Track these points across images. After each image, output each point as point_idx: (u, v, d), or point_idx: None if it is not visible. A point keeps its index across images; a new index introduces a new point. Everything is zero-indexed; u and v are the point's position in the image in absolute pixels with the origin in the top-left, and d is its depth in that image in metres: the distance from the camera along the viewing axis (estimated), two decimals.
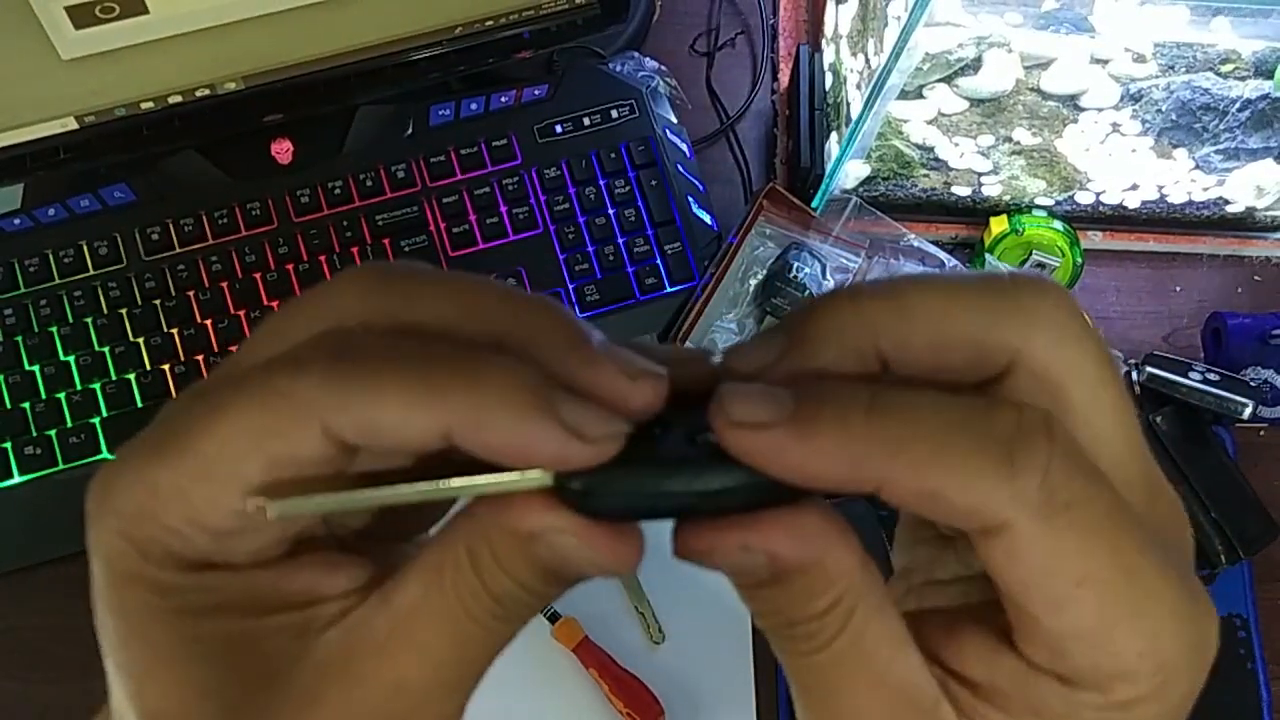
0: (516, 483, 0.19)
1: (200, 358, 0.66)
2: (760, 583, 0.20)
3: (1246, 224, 0.77)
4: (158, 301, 0.67)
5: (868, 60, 0.64)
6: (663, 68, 0.75)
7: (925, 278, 0.20)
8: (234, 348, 0.66)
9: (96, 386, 0.65)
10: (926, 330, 0.19)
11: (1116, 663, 0.18)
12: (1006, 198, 0.73)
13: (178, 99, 0.63)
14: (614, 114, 0.72)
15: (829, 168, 0.69)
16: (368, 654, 0.20)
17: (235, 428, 0.19)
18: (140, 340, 0.66)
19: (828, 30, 0.75)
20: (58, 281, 0.67)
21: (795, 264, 0.68)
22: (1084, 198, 0.74)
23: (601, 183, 0.71)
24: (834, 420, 0.18)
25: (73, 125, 0.62)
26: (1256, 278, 0.79)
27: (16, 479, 0.64)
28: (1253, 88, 0.62)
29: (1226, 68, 0.61)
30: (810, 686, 0.21)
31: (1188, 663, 0.19)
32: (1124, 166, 0.69)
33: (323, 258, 0.68)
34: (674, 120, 0.73)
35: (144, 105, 0.63)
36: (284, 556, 0.21)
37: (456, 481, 0.19)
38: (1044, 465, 0.18)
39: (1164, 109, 0.64)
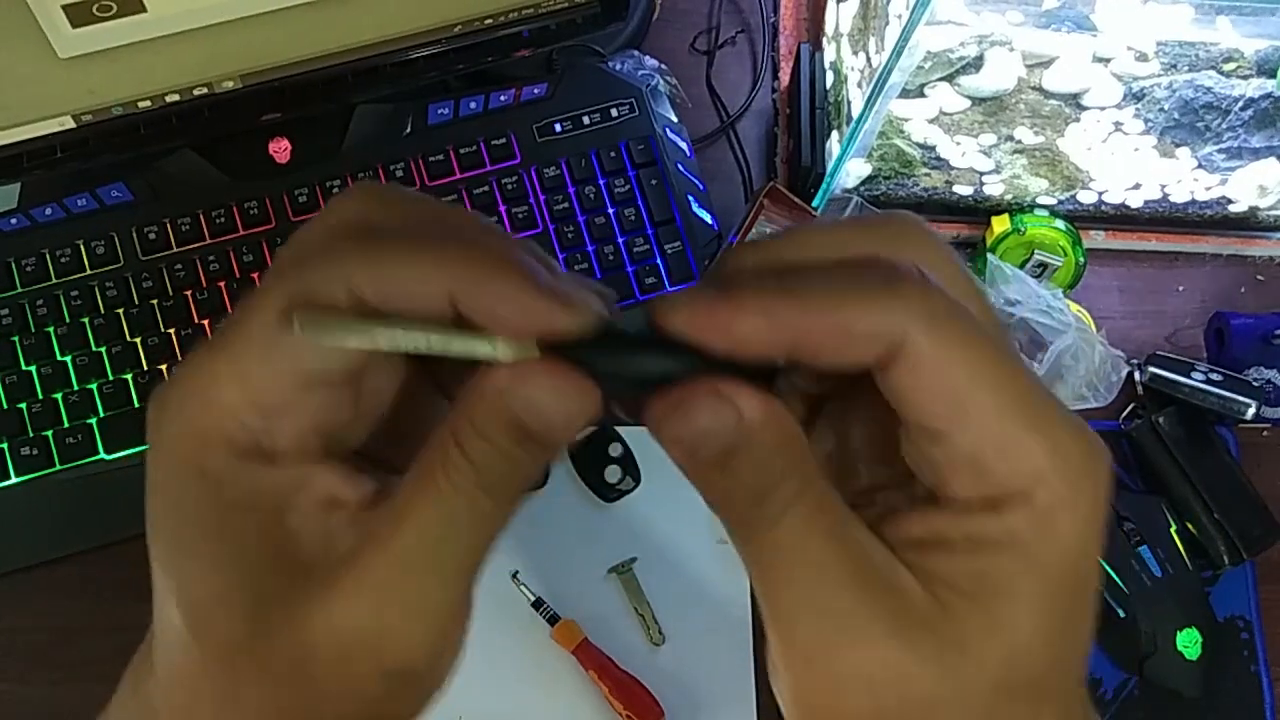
0: (506, 350, 0.22)
1: None
2: (727, 451, 0.22)
3: (1249, 223, 0.76)
4: (155, 301, 0.66)
5: (869, 59, 0.63)
6: (663, 66, 0.74)
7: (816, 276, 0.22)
8: None
9: (94, 386, 0.65)
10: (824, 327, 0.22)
11: (1031, 466, 0.21)
12: (1008, 197, 0.73)
13: (175, 98, 0.63)
14: (614, 113, 0.72)
15: (830, 167, 0.69)
16: (374, 543, 0.22)
17: (279, 306, 0.22)
18: (137, 340, 0.66)
19: (828, 28, 0.75)
20: (54, 281, 0.67)
21: None
22: (1086, 197, 0.73)
23: (601, 182, 0.70)
24: (753, 290, 0.22)
25: (70, 124, 0.62)
26: (1259, 277, 0.78)
27: (13, 479, 0.64)
28: (1255, 86, 0.62)
29: (1229, 66, 0.61)
30: (773, 564, 0.22)
31: (1091, 469, 0.21)
32: (1126, 165, 0.69)
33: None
34: (674, 119, 0.73)
35: (141, 104, 0.63)
36: (314, 461, 0.23)
37: (459, 341, 0.22)
38: (923, 288, 0.21)
39: (1166, 108, 0.63)
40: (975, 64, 0.60)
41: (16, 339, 0.65)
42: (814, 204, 0.71)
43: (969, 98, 0.63)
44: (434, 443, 0.23)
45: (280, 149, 0.69)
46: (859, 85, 0.65)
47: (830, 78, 0.73)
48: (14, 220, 0.67)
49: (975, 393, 0.21)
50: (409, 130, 0.71)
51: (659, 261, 0.70)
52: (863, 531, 0.22)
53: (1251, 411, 0.70)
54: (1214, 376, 0.71)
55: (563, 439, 0.23)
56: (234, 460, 0.23)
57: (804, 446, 0.23)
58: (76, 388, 0.65)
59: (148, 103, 0.63)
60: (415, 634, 0.23)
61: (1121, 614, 0.68)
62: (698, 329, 0.22)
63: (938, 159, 0.69)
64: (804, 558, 0.22)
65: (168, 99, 0.63)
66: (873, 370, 0.22)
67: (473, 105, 0.71)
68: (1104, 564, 0.68)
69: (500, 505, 0.23)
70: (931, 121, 0.66)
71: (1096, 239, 0.76)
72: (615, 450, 0.69)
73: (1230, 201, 0.73)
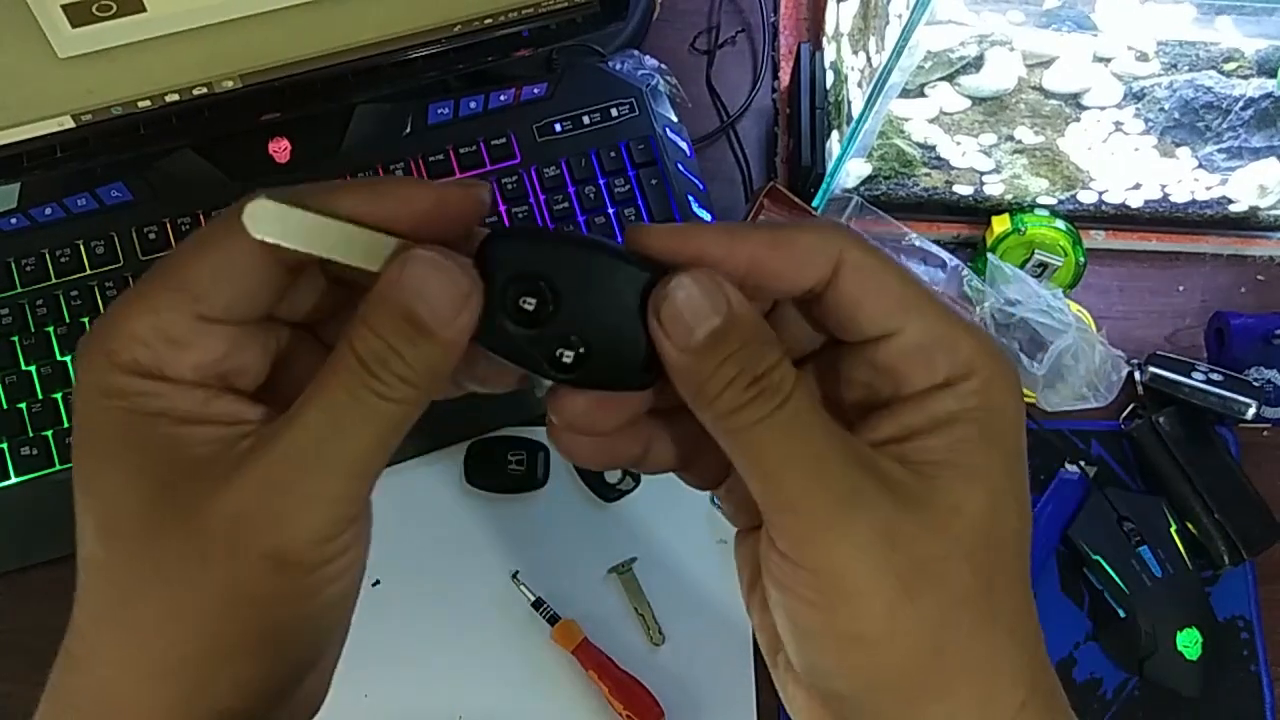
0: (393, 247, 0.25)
1: None
2: (718, 334, 0.25)
3: (1250, 223, 0.76)
4: None
5: (869, 58, 0.63)
6: (663, 66, 0.74)
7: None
8: None
9: None
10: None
11: (967, 350, 0.25)
12: (1009, 197, 0.73)
13: (175, 97, 0.63)
14: (614, 112, 0.72)
15: (830, 166, 0.69)
16: (266, 440, 0.25)
17: (196, 248, 0.26)
18: None
19: (829, 28, 0.75)
20: (54, 281, 0.66)
21: None
22: (1086, 197, 0.73)
23: (601, 181, 0.70)
24: (718, 224, 0.26)
25: (69, 124, 0.62)
26: (1260, 277, 0.78)
27: (13, 479, 0.64)
28: (1256, 86, 0.62)
29: (1230, 66, 0.61)
30: (775, 452, 0.24)
31: (1004, 373, 0.26)
32: (1127, 165, 0.69)
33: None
34: (674, 119, 0.73)
35: (141, 104, 0.62)
36: (216, 390, 0.26)
37: (361, 234, 0.25)
38: (848, 229, 0.26)
39: (1167, 108, 0.63)
40: (975, 64, 0.60)
41: (16, 339, 0.65)
42: (814, 204, 0.71)
43: (969, 97, 0.63)
44: (334, 352, 0.25)
45: (280, 149, 0.69)
46: (859, 85, 0.65)
47: (830, 77, 0.73)
48: (14, 220, 0.67)
49: (911, 292, 0.26)
50: (409, 130, 0.71)
51: None
52: (844, 430, 0.26)
53: (1252, 411, 0.70)
54: (1214, 376, 0.71)
55: (453, 334, 0.25)
56: (138, 379, 0.25)
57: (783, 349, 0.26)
58: None
59: (147, 102, 0.63)
60: (300, 523, 0.24)
61: (1122, 614, 0.68)
62: (671, 248, 0.26)
63: (938, 159, 0.69)
64: (806, 447, 0.24)
65: (167, 99, 0.63)
66: (818, 292, 0.26)
67: (473, 105, 0.71)
68: (1104, 564, 0.68)
69: (394, 404, 0.25)
70: (932, 121, 0.66)
71: (1097, 239, 0.76)
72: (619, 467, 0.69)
73: (1230, 201, 0.73)
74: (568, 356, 0.26)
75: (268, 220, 0.25)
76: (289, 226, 0.25)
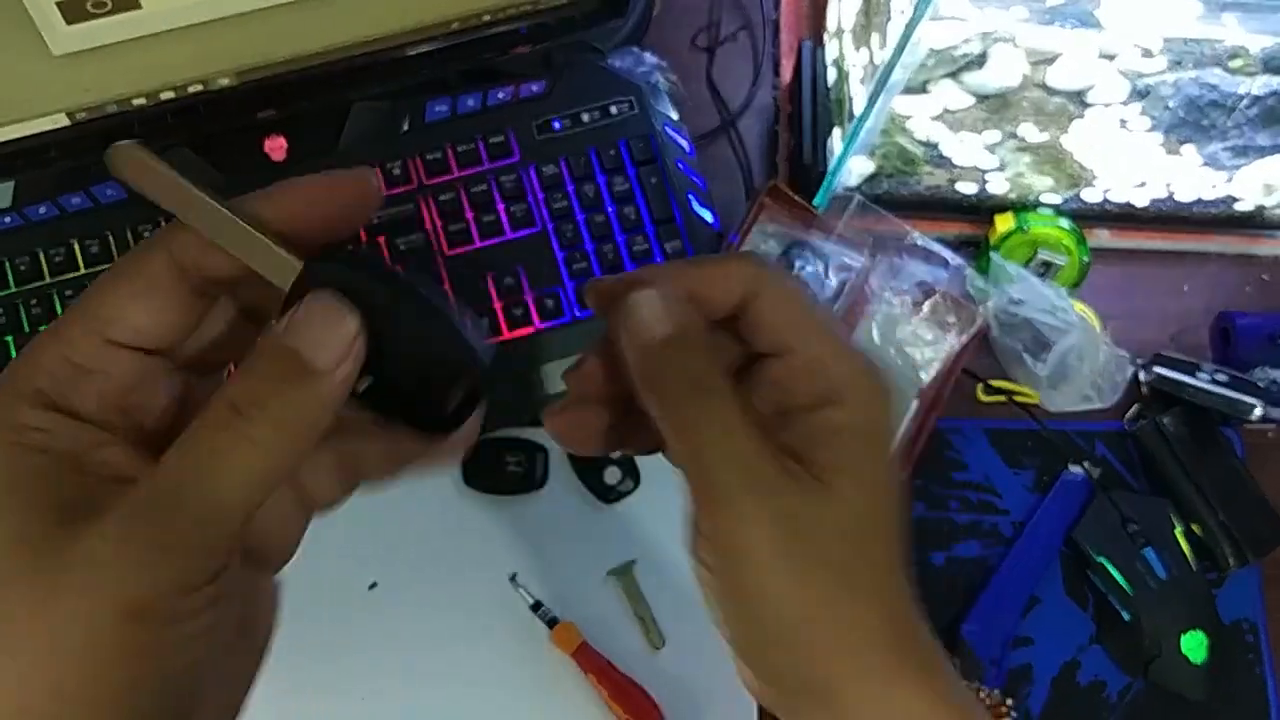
0: (281, 255, 0.26)
1: None
2: (669, 340, 0.29)
3: (1255, 222, 0.76)
4: None
5: (871, 55, 0.63)
6: (663, 63, 0.74)
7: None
8: None
9: None
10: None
11: (850, 369, 0.30)
12: (1012, 195, 0.73)
13: (170, 95, 0.63)
14: (613, 110, 0.71)
15: (832, 165, 0.68)
16: (136, 484, 0.24)
17: (109, 276, 0.27)
18: None
19: (830, 25, 0.74)
20: (49, 280, 0.66)
21: (798, 262, 0.67)
22: (1091, 195, 0.73)
23: (600, 180, 0.70)
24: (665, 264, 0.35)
25: (64, 122, 0.62)
26: (1265, 277, 0.78)
27: None
28: (1262, 84, 0.62)
29: (1235, 63, 0.60)
30: (708, 440, 0.29)
31: (880, 392, 0.31)
32: (1131, 163, 0.69)
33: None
34: (674, 116, 0.73)
35: (136, 101, 0.62)
36: (114, 425, 0.26)
37: (242, 228, 0.26)
38: (771, 264, 0.35)
39: (1172, 105, 0.63)
40: (979, 60, 0.60)
41: (10, 339, 0.65)
42: (815, 202, 0.71)
43: (973, 94, 0.63)
44: (211, 397, 0.25)
45: (276, 147, 0.69)
46: (861, 82, 0.65)
47: (832, 74, 0.73)
48: (8, 219, 0.67)
49: (809, 319, 0.31)
50: (406, 128, 0.70)
51: (659, 260, 0.69)
52: (759, 429, 0.30)
53: (1257, 412, 0.69)
54: (1219, 377, 0.71)
55: (337, 379, 0.25)
56: (38, 411, 0.25)
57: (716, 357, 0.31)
58: None
59: (142, 100, 0.62)
60: (156, 572, 0.23)
61: (1126, 616, 0.68)
62: (628, 281, 0.30)
63: (941, 157, 0.69)
64: (728, 439, 0.29)
65: (163, 96, 0.62)
66: (738, 312, 0.31)
67: (470, 103, 0.71)
68: (1109, 566, 0.68)
69: (263, 451, 0.24)
70: (935, 119, 0.65)
71: (1101, 238, 0.76)
72: (615, 451, 0.69)
73: (1236, 200, 0.73)
74: (360, 386, 0.27)
75: (125, 158, 0.27)
76: (150, 176, 0.27)
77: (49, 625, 0.23)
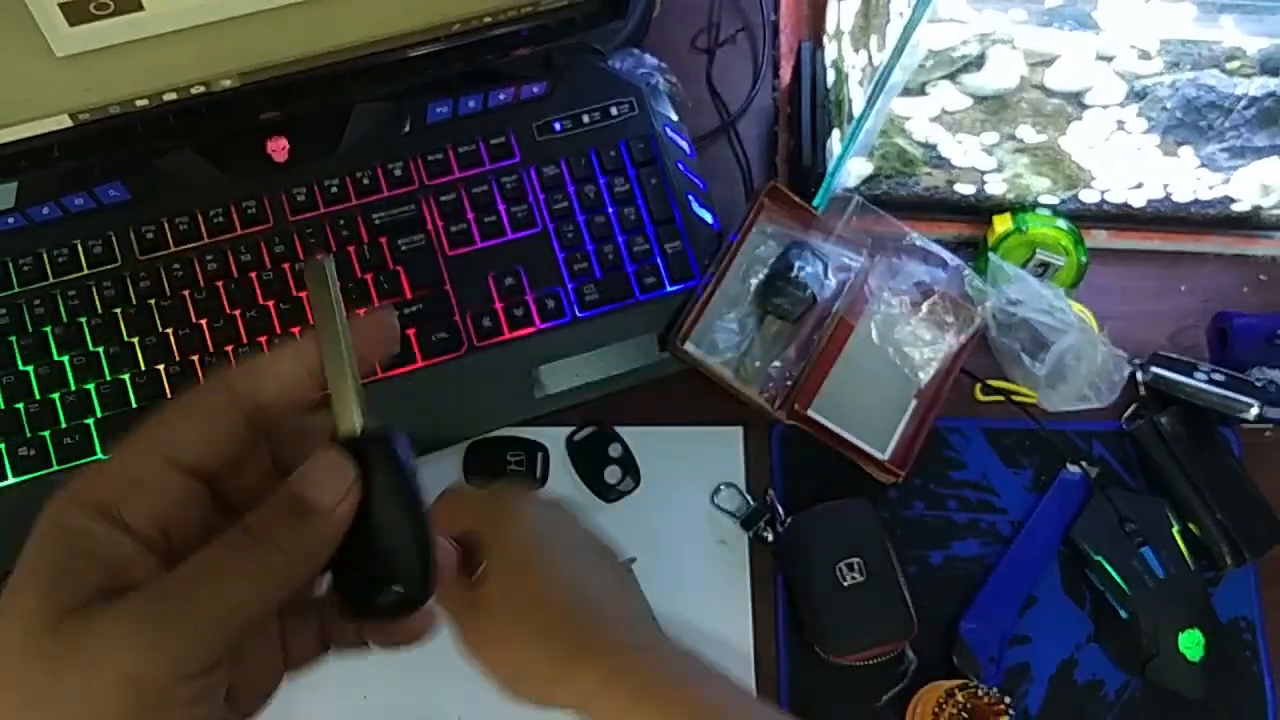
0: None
1: (195, 358, 0.65)
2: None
3: (1252, 222, 0.76)
4: (152, 301, 0.66)
5: (870, 57, 0.63)
6: (663, 64, 0.74)
7: None
8: (229, 348, 0.66)
9: (91, 387, 0.65)
10: None
11: (481, 541, 0.48)
12: (1010, 196, 0.73)
13: (173, 96, 0.63)
14: (613, 111, 0.72)
15: (831, 166, 0.69)
16: (154, 579, 0.28)
17: (177, 403, 0.31)
18: (135, 340, 0.66)
19: (830, 26, 0.74)
20: (51, 281, 0.66)
21: (797, 263, 0.68)
22: (1088, 196, 0.73)
23: (601, 181, 0.70)
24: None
25: (67, 123, 0.62)
26: (1262, 277, 0.78)
27: (10, 480, 0.63)
28: (1259, 85, 0.62)
29: (1232, 65, 0.61)
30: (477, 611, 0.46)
31: (507, 541, 0.48)
32: (1129, 164, 0.69)
33: (319, 257, 0.68)
34: (674, 118, 0.73)
35: (139, 103, 0.62)
36: (155, 547, 0.29)
37: (344, 377, 0.32)
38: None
39: (1169, 106, 0.63)
40: (977, 62, 0.60)
41: (14, 339, 0.65)
42: (815, 203, 0.71)
43: (971, 96, 0.63)
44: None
45: (278, 148, 0.69)
46: (860, 83, 0.65)
47: (831, 76, 0.73)
48: (11, 220, 0.67)
49: (470, 511, 0.49)
50: (407, 129, 0.71)
51: (659, 261, 0.69)
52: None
53: (1254, 412, 0.69)
54: (1216, 376, 0.71)
55: (334, 518, 0.30)
56: (91, 518, 0.29)
57: None
58: (74, 388, 0.65)
59: (145, 101, 0.62)
60: (161, 651, 0.27)
61: (1123, 615, 0.68)
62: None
63: (939, 158, 0.69)
64: (459, 614, 0.47)
65: (165, 98, 0.63)
66: None
67: (471, 104, 0.71)
68: (1106, 565, 0.68)
69: (266, 572, 0.29)
70: (933, 120, 0.65)
71: (1099, 238, 0.76)
72: (615, 450, 0.69)
73: (1233, 201, 0.73)
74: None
75: (323, 273, 0.32)
76: (323, 296, 0.32)
77: (62, 691, 0.26)
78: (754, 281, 0.69)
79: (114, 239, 0.67)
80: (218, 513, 0.32)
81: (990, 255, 0.71)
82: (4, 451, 0.64)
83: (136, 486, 0.29)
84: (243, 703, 0.32)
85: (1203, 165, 0.68)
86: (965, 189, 0.73)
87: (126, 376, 0.65)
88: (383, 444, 0.31)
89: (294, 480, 0.30)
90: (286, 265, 0.67)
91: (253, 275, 0.67)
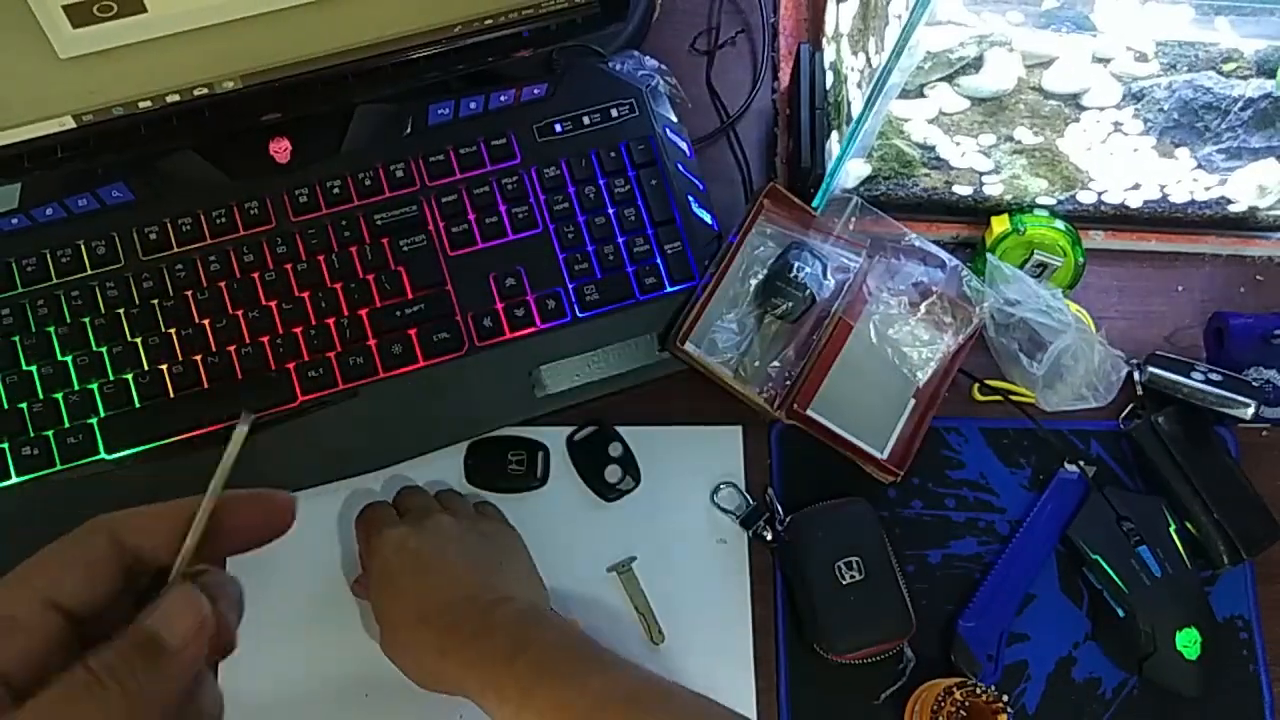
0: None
1: (198, 358, 0.66)
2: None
3: (1249, 223, 0.76)
4: (155, 301, 0.67)
5: (869, 59, 0.63)
6: (663, 66, 0.74)
7: None
8: (231, 347, 0.66)
9: (94, 386, 0.65)
10: None
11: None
12: (1008, 197, 0.73)
13: (176, 98, 0.63)
14: (614, 113, 0.72)
15: (830, 167, 0.69)
16: None
17: (56, 546, 0.32)
18: (138, 340, 0.66)
19: (828, 29, 0.75)
20: (55, 281, 0.67)
21: (796, 264, 0.68)
22: (1086, 197, 0.73)
23: (601, 182, 0.71)
24: None
25: (70, 124, 0.62)
26: (1259, 277, 0.79)
27: (14, 479, 0.64)
28: (1255, 87, 0.62)
29: (1229, 67, 0.61)
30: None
31: (373, 570, 0.62)
32: (1126, 166, 0.69)
33: (321, 257, 0.68)
34: (674, 119, 0.73)
35: (142, 104, 0.63)
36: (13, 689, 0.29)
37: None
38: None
39: (1166, 108, 0.63)
40: (975, 64, 0.60)
41: (17, 339, 0.65)
42: (814, 204, 0.71)
43: (969, 98, 0.63)
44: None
45: (280, 149, 0.70)
46: (859, 85, 0.65)
47: (830, 78, 0.73)
48: (15, 220, 0.67)
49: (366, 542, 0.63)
50: (409, 130, 0.71)
51: (659, 261, 0.70)
52: None
53: (1250, 411, 0.70)
54: (1213, 376, 0.71)
55: (182, 653, 0.30)
56: None
57: None
58: (77, 388, 0.65)
59: (148, 103, 0.63)
60: None
61: (1121, 614, 0.68)
62: None
63: (937, 159, 0.69)
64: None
65: (168, 99, 0.63)
66: None
67: (473, 105, 0.71)
68: (1104, 563, 0.68)
69: (104, 712, 0.28)
70: (931, 122, 0.66)
71: (1096, 239, 0.76)
72: (615, 450, 0.70)
73: (1230, 202, 0.74)
74: None
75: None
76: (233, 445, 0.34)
77: None
78: (753, 282, 0.69)
79: (117, 239, 0.67)
80: (80, 650, 0.32)
81: (988, 256, 0.72)
82: (8, 451, 0.64)
83: (10, 627, 0.29)
84: None
85: (1199, 166, 0.69)
86: (963, 190, 0.73)
87: (129, 376, 0.65)
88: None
89: (144, 618, 0.30)
90: (289, 266, 0.68)
91: (255, 276, 0.67)
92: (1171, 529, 0.70)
